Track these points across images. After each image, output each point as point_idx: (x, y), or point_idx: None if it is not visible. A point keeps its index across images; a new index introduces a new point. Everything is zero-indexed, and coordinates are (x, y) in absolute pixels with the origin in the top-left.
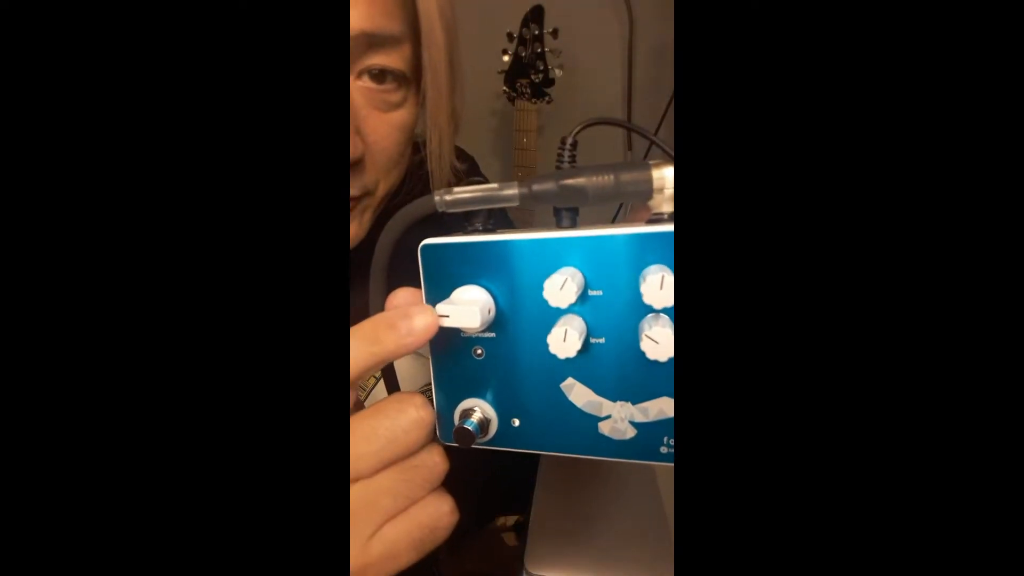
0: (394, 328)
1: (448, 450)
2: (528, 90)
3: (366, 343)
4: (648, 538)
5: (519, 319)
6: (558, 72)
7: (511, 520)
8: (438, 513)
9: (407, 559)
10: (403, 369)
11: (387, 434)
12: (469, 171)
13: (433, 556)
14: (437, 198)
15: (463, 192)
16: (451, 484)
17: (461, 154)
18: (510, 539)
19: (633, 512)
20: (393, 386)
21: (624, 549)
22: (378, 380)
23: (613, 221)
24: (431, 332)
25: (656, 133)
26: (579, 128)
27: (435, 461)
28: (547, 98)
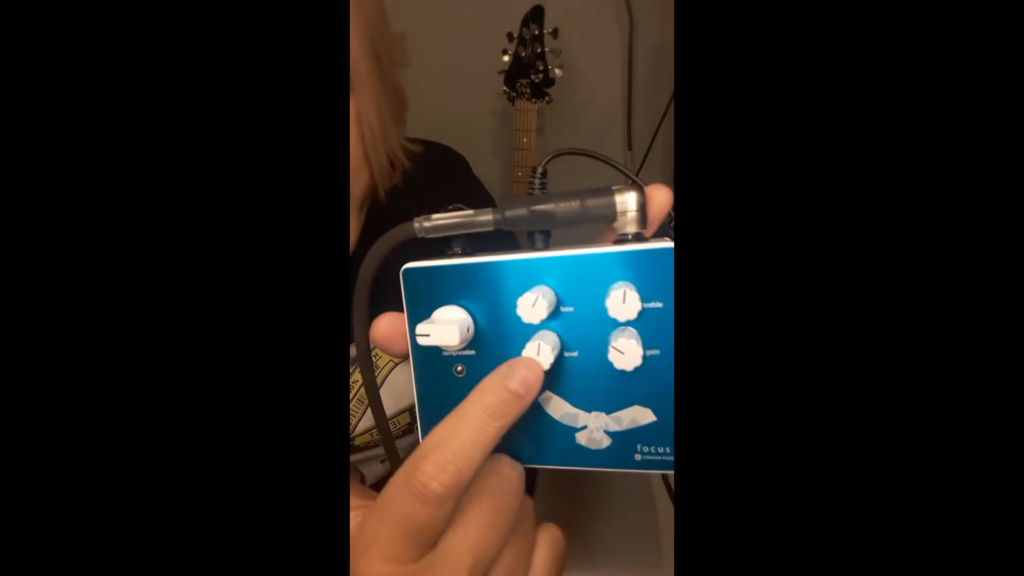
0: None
1: None
2: (528, 90)
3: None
4: (646, 540)
5: (497, 337)
6: (558, 72)
7: None
8: None
9: None
10: (397, 381)
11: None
12: (429, 157)
13: None
14: (416, 224)
15: (441, 219)
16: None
17: (435, 152)
18: None
19: (632, 514)
20: (378, 408)
21: (623, 551)
22: (366, 408)
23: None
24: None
25: (656, 133)
26: (548, 158)
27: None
28: (547, 98)
